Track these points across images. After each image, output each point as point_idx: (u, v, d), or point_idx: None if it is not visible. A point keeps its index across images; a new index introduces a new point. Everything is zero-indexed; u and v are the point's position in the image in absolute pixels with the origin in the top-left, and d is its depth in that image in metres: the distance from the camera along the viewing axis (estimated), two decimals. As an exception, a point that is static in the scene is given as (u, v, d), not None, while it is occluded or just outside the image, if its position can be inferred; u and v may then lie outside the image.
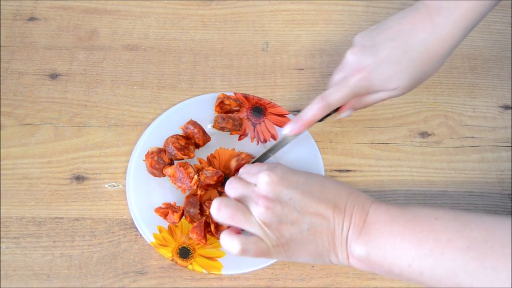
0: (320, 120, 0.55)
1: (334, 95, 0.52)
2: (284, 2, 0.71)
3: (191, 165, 0.54)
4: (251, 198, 0.46)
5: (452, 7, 0.50)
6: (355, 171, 0.59)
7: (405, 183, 0.58)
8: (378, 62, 0.51)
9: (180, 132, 0.57)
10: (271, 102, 0.62)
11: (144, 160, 0.56)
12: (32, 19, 0.68)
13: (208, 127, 0.59)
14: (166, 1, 0.71)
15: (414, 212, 0.44)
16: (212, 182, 0.54)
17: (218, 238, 0.51)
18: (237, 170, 0.56)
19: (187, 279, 0.52)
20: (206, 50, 0.67)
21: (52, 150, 0.58)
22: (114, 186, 0.56)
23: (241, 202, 0.47)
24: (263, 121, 0.61)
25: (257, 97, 0.62)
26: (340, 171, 0.59)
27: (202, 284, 0.51)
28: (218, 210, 0.46)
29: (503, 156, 0.60)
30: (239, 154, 0.58)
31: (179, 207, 0.53)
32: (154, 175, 0.56)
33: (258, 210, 0.45)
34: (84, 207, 0.55)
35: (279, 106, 0.61)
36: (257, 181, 0.47)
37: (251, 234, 0.46)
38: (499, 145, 0.61)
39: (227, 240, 0.46)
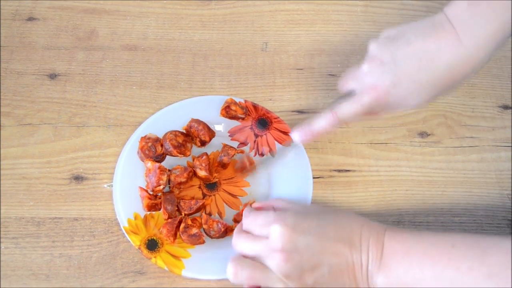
0: None
1: (346, 111, 0.49)
2: (283, 2, 0.71)
3: (167, 175, 0.54)
4: (265, 253, 0.45)
5: (480, 27, 0.47)
6: (354, 171, 0.59)
7: (404, 183, 0.58)
8: (398, 80, 0.48)
9: (179, 129, 0.57)
10: (278, 118, 0.60)
11: (138, 141, 0.56)
12: (31, 19, 0.68)
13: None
14: (165, 1, 0.70)
15: (430, 240, 0.44)
16: (183, 180, 0.54)
17: (182, 240, 0.52)
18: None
19: (186, 279, 0.51)
20: (205, 50, 0.67)
21: (51, 150, 0.58)
22: (113, 186, 0.56)
23: (255, 259, 0.46)
24: (265, 134, 0.59)
25: (266, 109, 0.61)
26: (339, 171, 0.59)
27: (200, 285, 0.51)
28: (235, 275, 0.46)
29: (502, 156, 0.60)
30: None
31: (158, 196, 0.54)
32: (141, 159, 0.56)
33: (276, 264, 0.44)
34: (83, 207, 0.55)
35: (285, 123, 0.60)
36: (268, 234, 0.46)
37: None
38: (498, 145, 0.61)
39: None
